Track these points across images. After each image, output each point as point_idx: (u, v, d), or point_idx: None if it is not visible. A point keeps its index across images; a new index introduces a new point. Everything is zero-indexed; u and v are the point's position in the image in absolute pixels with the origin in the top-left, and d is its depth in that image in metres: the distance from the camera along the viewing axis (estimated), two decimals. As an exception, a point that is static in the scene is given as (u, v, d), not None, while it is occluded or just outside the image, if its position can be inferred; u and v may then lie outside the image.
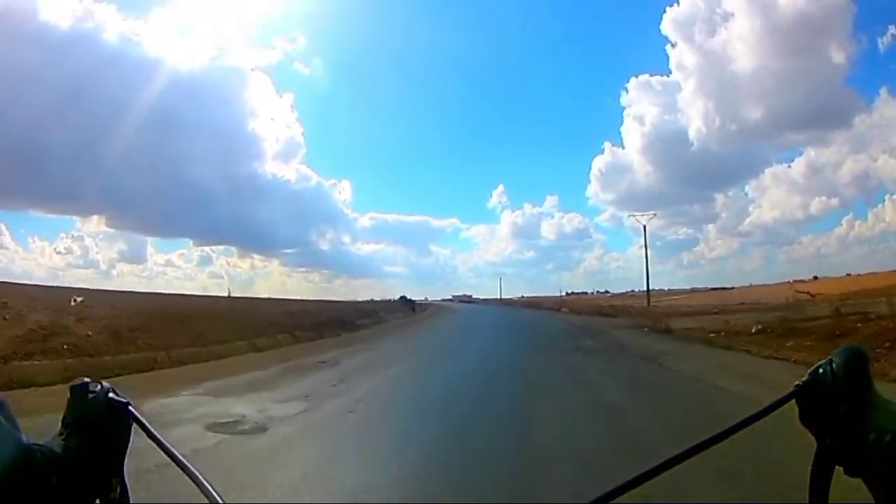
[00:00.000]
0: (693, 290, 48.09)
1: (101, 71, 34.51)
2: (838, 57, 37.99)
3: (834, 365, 0.64)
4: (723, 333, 15.76)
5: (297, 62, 55.81)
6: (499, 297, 64.07)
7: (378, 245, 54.42)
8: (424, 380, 10.41)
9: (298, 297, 34.79)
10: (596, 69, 55.35)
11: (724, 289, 47.64)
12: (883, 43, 37.72)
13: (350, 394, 8.44)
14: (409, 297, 48.92)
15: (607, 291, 57.02)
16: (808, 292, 29.97)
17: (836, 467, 0.63)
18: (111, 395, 0.69)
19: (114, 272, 42.36)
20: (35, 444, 0.60)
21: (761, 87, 40.29)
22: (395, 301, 46.04)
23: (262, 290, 41.41)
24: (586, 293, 58.00)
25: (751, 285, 45.73)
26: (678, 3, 44.95)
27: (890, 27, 35.55)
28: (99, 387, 0.69)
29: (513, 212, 52.94)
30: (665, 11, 42.44)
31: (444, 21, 55.22)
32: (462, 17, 57.08)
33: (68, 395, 0.69)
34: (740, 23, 39.14)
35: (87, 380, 0.69)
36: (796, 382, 0.66)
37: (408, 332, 24.39)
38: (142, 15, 47.88)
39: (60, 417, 0.68)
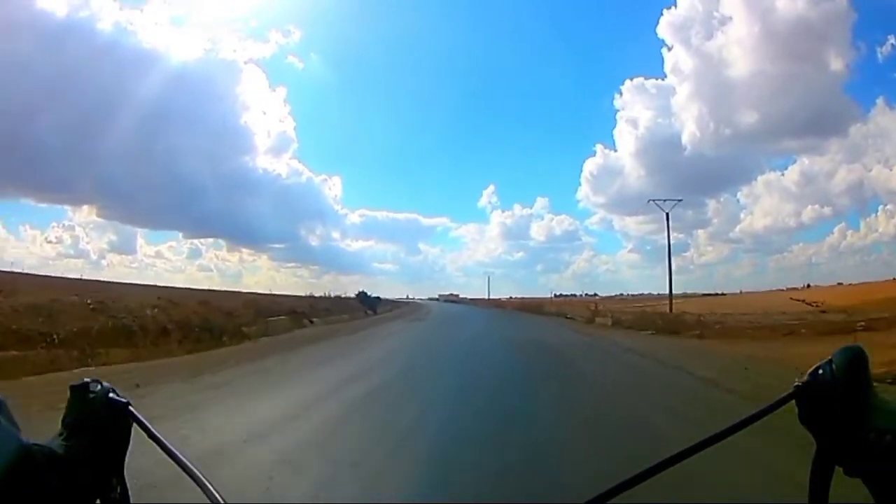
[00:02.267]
0: (686, 296, 47.94)
1: (96, 61, 34.26)
2: (836, 64, 37.42)
3: (834, 365, 0.64)
4: None
5: (292, 56, 55.21)
6: (486, 296, 62.32)
7: (368, 242, 54.23)
8: None
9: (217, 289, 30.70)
10: (591, 71, 55.50)
11: (717, 294, 47.39)
12: (882, 52, 37.21)
13: None
14: (369, 293, 41.82)
15: (596, 294, 55.82)
16: (805, 300, 28.58)
17: (836, 467, 0.63)
18: (111, 395, 0.69)
19: (104, 262, 42.43)
20: (35, 444, 0.60)
21: (757, 93, 39.67)
22: (352, 299, 39.67)
23: (251, 285, 40.61)
24: (575, 295, 56.42)
25: (741, 292, 45.52)
26: (675, 6, 44.74)
27: (889, 36, 35.24)
28: (99, 387, 0.69)
29: (503, 212, 52.79)
30: (662, 14, 42.36)
31: (440, 20, 55.08)
32: (457, 16, 57.08)
33: (68, 395, 0.68)
34: (738, 26, 38.62)
35: (87, 380, 0.69)
36: (796, 383, 0.66)
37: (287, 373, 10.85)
38: (138, 4, 47.81)
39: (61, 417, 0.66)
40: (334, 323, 26.43)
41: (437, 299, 75.68)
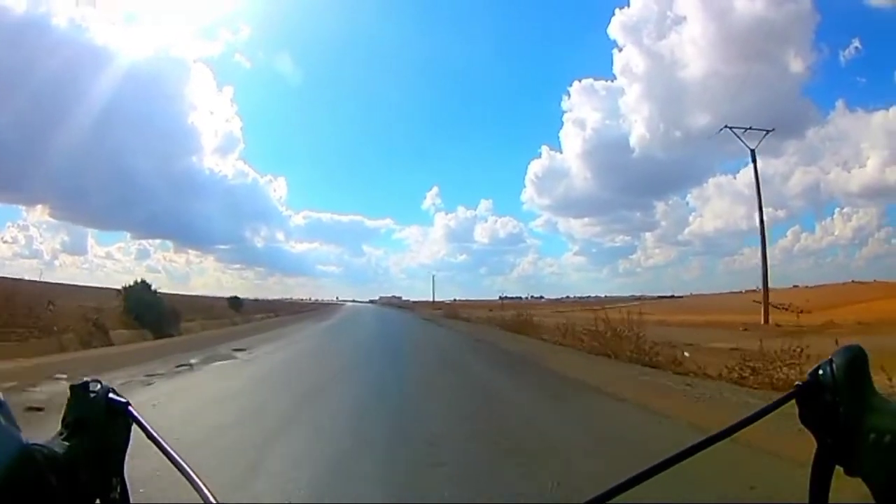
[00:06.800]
0: (641, 299, 47.19)
1: (49, 58, 33.23)
2: (796, 65, 37.35)
3: (834, 365, 0.65)
4: None
5: (239, 54, 55.24)
6: (431, 299, 58.79)
7: (312, 244, 54.87)
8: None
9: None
10: (538, 72, 55.85)
11: (672, 297, 47.17)
12: (845, 55, 37.87)
13: None
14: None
15: (542, 297, 55.90)
16: (771, 303, 26.25)
17: (836, 467, 0.64)
18: (111, 395, 0.69)
19: (56, 263, 42.14)
20: (35, 444, 0.59)
21: (711, 94, 38.96)
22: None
23: (198, 287, 39.44)
24: (521, 298, 55.44)
25: (691, 294, 45.54)
26: (628, 6, 44.84)
27: (854, 39, 36.21)
28: (99, 386, 0.69)
29: (447, 214, 53.77)
30: (614, 14, 42.16)
31: (386, 22, 55.45)
32: (403, 17, 57.59)
33: (68, 395, 0.68)
34: (693, 27, 38.35)
35: (87, 379, 0.69)
36: (797, 382, 0.67)
37: None
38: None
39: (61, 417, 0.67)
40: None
41: (375, 301, 72.59)
